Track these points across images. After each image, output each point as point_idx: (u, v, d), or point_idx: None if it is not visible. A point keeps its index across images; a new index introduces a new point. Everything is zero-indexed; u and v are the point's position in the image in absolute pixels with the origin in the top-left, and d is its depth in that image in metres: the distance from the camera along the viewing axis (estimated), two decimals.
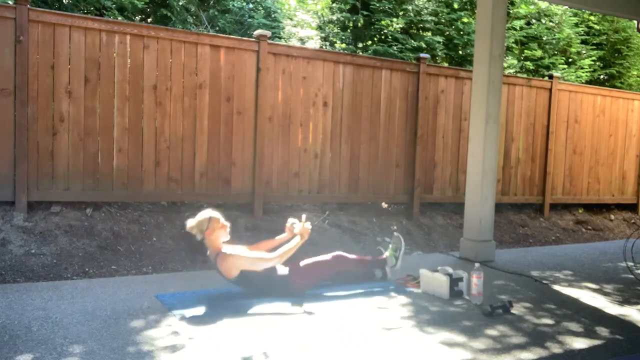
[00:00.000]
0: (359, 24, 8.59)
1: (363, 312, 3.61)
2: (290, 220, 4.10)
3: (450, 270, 4.09)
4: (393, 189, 6.63)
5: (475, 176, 5.37)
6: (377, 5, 8.47)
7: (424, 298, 4.00)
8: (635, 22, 8.74)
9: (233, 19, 8.58)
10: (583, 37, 10.74)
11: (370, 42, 8.81)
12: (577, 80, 9.86)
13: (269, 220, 5.73)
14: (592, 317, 3.72)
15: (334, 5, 9.04)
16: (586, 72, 10.27)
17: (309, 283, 3.93)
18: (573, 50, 10.50)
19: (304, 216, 4.08)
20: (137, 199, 5.30)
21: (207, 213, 3.82)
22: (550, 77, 7.86)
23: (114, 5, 7.25)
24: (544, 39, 10.19)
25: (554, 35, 10.20)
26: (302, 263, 3.96)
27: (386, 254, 4.36)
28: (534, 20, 10.29)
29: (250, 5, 9.00)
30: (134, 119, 5.20)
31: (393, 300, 3.92)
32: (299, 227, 3.98)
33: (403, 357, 2.89)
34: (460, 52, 9.12)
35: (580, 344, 3.20)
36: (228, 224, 3.86)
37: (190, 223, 3.81)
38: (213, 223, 3.76)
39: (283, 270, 3.88)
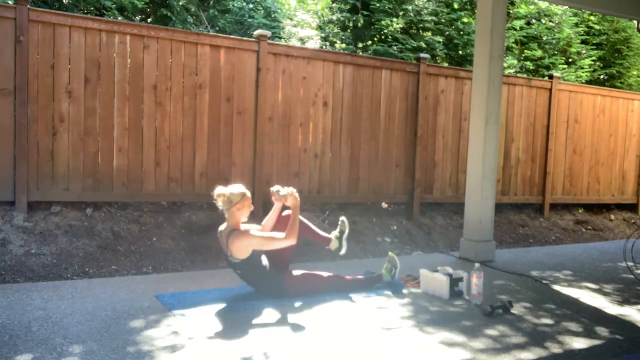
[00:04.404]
0: (359, 24, 8.59)
1: (363, 312, 3.62)
2: (274, 188, 3.99)
3: (450, 270, 4.09)
4: (393, 189, 6.63)
5: (475, 176, 5.37)
6: (377, 5, 8.47)
7: (424, 298, 4.00)
8: (635, 22, 8.74)
9: (233, 19, 8.58)
10: (583, 37, 10.74)
11: (370, 42, 8.82)
12: (577, 80, 9.86)
13: None
14: (592, 317, 3.73)
15: (334, 5, 9.04)
16: (586, 72, 10.28)
17: (301, 292, 3.89)
18: (573, 50, 10.51)
19: (278, 187, 3.97)
20: (137, 199, 5.30)
21: (242, 188, 3.80)
22: (550, 77, 7.86)
23: (114, 5, 7.25)
24: (544, 39, 10.19)
25: (554, 35, 10.20)
26: (297, 272, 3.95)
27: (381, 272, 4.28)
28: (534, 20, 10.30)
29: (250, 5, 9.00)
30: (134, 119, 5.20)
31: (393, 300, 3.92)
32: (284, 191, 3.88)
33: (403, 357, 2.89)
34: (460, 52, 9.12)
35: (580, 344, 3.20)
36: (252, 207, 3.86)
37: (222, 190, 3.75)
38: (245, 201, 3.74)
39: (297, 272, 3.92)
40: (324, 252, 4.97)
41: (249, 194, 3.82)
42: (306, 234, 4.13)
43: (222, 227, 3.83)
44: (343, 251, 4.28)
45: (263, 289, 3.84)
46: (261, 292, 3.85)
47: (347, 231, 4.31)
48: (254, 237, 3.67)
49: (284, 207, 4.04)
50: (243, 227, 3.81)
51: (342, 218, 4.35)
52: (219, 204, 3.77)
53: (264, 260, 3.80)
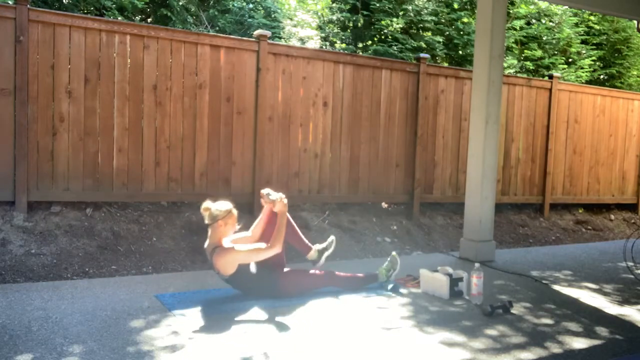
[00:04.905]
0: (359, 24, 8.59)
1: (363, 312, 3.62)
2: (264, 190, 4.01)
3: (450, 270, 4.09)
4: (393, 189, 6.63)
5: (475, 176, 5.37)
6: (377, 5, 8.46)
7: (424, 298, 4.00)
8: (635, 22, 8.74)
9: (233, 19, 8.58)
10: (583, 37, 10.74)
11: (370, 42, 8.81)
12: (577, 80, 9.85)
13: None
14: (592, 317, 3.73)
15: (334, 5, 9.03)
16: (586, 72, 10.27)
17: (297, 290, 3.89)
18: (573, 50, 10.50)
19: (269, 190, 4.01)
20: (137, 199, 5.30)
21: (229, 205, 3.78)
22: (550, 77, 7.86)
23: (114, 5, 7.25)
24: (544, 39, 10.19)
25: (554, 35, 10.20)
26: (293, 271, 3.93)
27: (378, 270, 4.26)
28: (534, 20, 10.29)
29: (250, 5, 8.99)
30: (134, 119, 5.20)
31: (393, 300, 3.92)
32: (274, 195, 3.90)
33: (403, 357, 2.89)
34: (460, 52, 9.12)
35: (580, 344, 3.20)
36: (238, 227, 3.86)
37: (209, 205, 3.74)
38: (230, 218, 3.73)
39: (292, 271, 3.91)
40: None
41: (235, 212, 3.78)
42: (289, 238, 4.05)
43: (206, 243, 3.79)
44: (319, 265, 4.24)
45: (258, 293, 3.80)
46: (258, 296, 3.83)
47: (331, 251, 4.28)
48: (238, 252, 3.64)
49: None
50: (232, 238, 3.80)
51: (332, 238, 4.34)
52: (205, 217, 3.74)
53: (253, 268, 3.77)
